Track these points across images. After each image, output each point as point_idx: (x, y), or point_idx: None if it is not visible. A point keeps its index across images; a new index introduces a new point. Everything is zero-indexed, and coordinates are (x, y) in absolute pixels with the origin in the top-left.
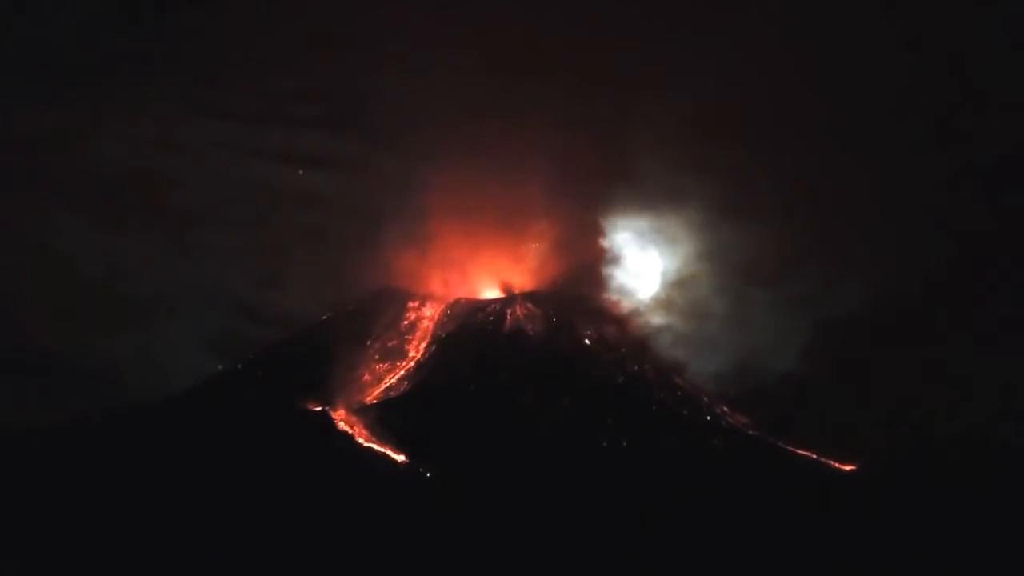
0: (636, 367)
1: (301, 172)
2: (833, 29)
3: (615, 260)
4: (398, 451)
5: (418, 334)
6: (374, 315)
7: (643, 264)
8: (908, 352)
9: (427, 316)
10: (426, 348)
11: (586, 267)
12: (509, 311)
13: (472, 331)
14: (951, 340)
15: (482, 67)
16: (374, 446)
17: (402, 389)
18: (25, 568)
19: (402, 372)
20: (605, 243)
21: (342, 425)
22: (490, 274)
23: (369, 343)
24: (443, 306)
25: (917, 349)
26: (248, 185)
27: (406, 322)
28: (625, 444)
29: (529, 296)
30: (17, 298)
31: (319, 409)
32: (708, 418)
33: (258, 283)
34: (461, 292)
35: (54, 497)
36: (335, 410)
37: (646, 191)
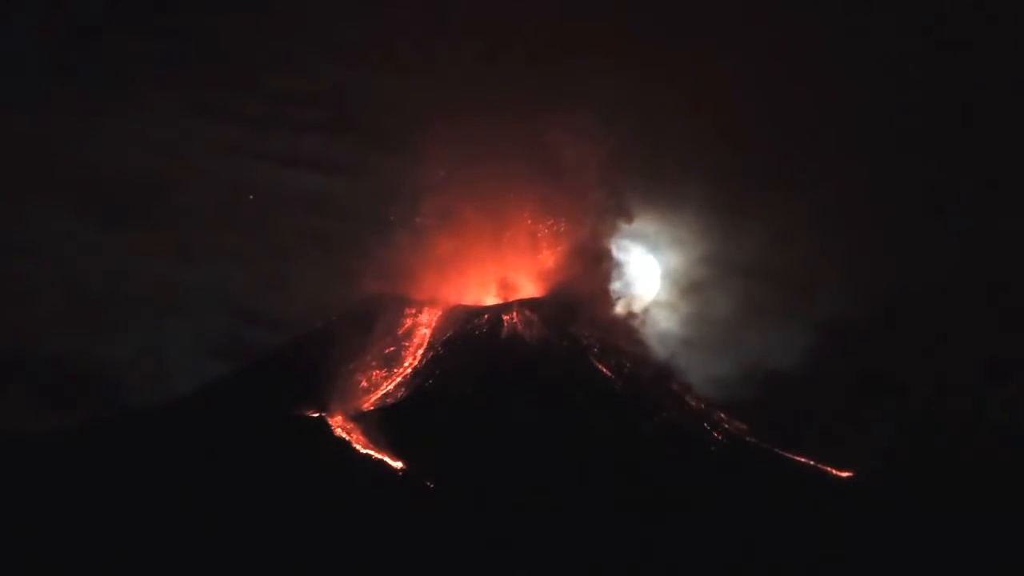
0: (635, 374)
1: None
2: (833, 30)
3: (615, 265)
4: (395, 458)
5: (415, 341)
6: (371, 321)
7: (643, 268)
8: (907, 357)
9: (424, 323)
10: (423, 355)
11: (586, 272)
12: (507, 317)
13: (470, 338)
14: (951, 345)
15: (481, 72)
16: (371, 453)
17: (399, 396)
18: (25, 571)
19: (399, 379)
20: (605, 248)
21: (339, 431)
22: (488, 280)
23: (366, 349)
24: (441, 312)
25: (916, 354)
26: (248, 188)
27: (403, 329)
28: (624, 451)
29: (528, 302)
30: (18, 301)
31: (316, 415)
32: (706, 425)
33: (258, 287)
34: (459, 298)
35: (54, 501)
36: (332, 416)
37: (647, 194)
